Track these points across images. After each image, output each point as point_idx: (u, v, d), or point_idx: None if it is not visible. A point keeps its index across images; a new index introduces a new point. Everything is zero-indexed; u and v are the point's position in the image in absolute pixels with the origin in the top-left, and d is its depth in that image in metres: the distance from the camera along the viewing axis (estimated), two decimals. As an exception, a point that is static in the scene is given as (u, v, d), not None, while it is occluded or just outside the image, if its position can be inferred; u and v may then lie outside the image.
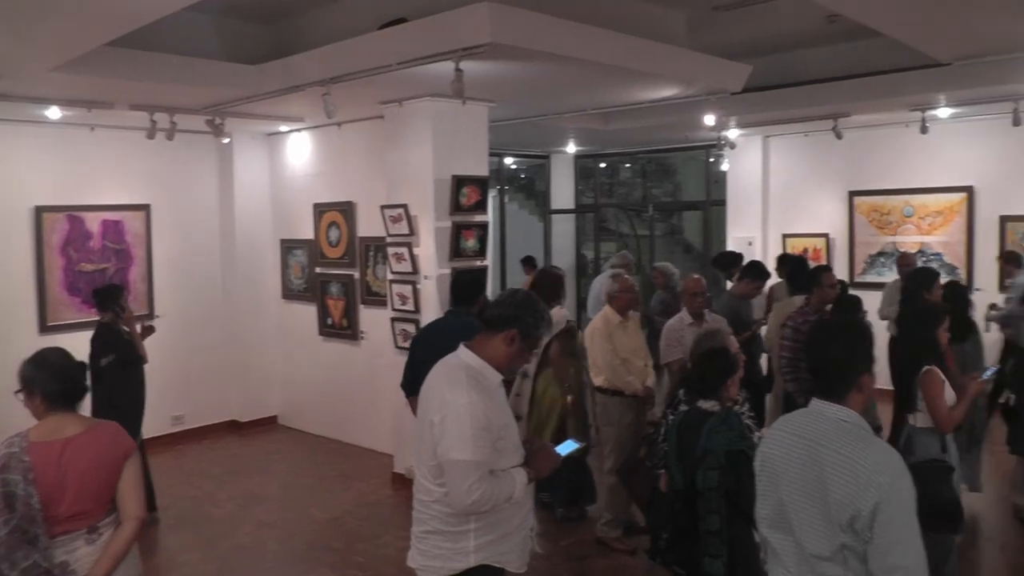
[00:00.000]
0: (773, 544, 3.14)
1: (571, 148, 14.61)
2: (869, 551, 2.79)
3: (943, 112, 10.37)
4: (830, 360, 3.08)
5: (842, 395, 3.03)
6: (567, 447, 4.03)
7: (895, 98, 9.67)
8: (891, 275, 11.04)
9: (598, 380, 6.90)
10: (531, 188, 17.21)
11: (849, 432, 2.95)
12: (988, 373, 5.93)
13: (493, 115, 8.82)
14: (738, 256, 10.47)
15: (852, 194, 12.48)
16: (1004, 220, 11.22)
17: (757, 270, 8.36)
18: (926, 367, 5.31)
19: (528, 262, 13.29)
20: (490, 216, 14.21)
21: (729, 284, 9.49)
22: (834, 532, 2.85)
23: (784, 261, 10.03)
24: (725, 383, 4.82)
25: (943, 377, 5.31)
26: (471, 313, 6.33)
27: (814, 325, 3.65)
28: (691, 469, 4.54)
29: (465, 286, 6.72)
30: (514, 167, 16.47)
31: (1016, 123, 9.60)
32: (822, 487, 2.89)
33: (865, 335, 3.19)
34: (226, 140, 9.70)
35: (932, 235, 11.85)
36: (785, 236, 13.05)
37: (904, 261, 10.01)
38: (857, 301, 6.96)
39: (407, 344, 8.26)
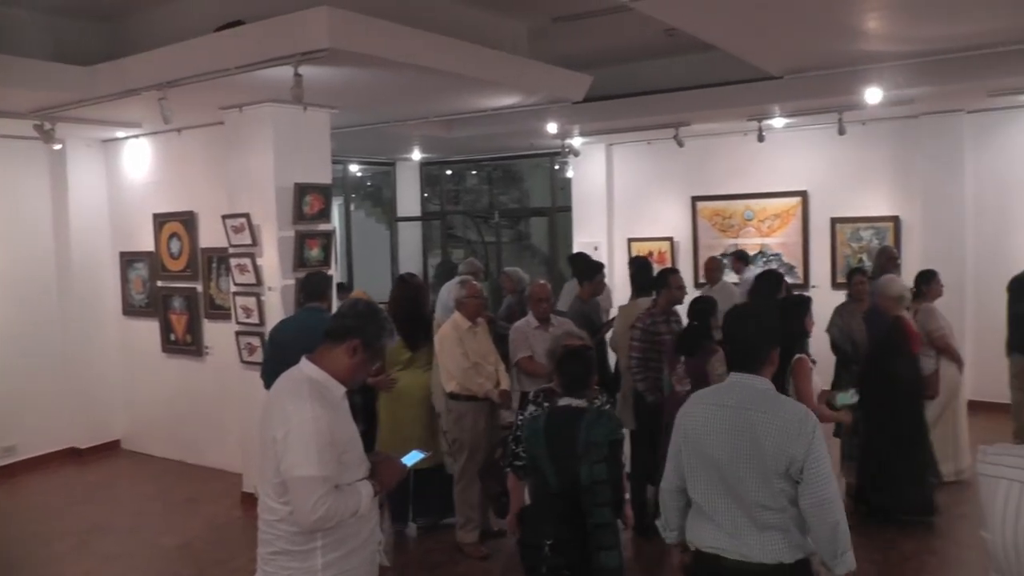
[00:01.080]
0: (706, 510, 3.55)
1: (416, 155, 14.53)
2: (801, 490, 3.32)
3: (777, 122, 10.86)
4: (745, 339, 3.59)
5: (757, 367, 3.53)
6: (412, 457, 3.95)
7: (732, 108, 10.07)
8: (733, 276, 11.50)
9: (450, 386, 6.86)
10: (378, 196, 17.08)
11: (769, 395, 3.50)
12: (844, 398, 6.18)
13: (335, 121, 8.71)
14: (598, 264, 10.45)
15: (695, 199, 12.90)
16: (835, 222, 11.94)
17: (595, 268, 8.57)
18: (797, 355, 5.78)
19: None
20: (336, 224, 14.14)
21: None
22: (771, 481, 3.34)
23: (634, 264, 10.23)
24: (592, 379, 4.88)
25: (811, 365, 5.77)
26: (322, 308, 6.78)
27: (731, 311, 3.93)
28: (571, 467, 4.51)
29: (314, 284, 7.01)
30: (359, 174, 16.30)
31: (841, 132, 10.27)
32: (756, 444, 3.37)
33: (772, 317, 3.79)
34: (57, 146, 9.17)
35: (771, 237, 12.41)
36: (630, 240, 13.36)
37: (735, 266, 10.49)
38: (805, 300, 7.15)
39: (253, 358, 8.11)
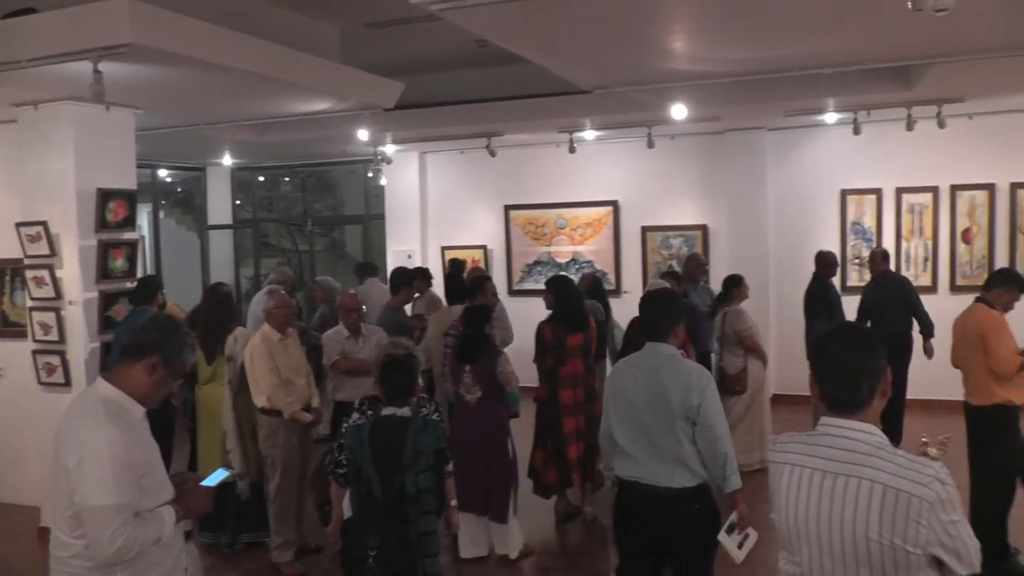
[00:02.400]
0: (628, 450, 4.58)
1: (228, 160, 14.11)
2: (698, 430, 4.42)
3: (588, 134, 11.16)
4: (651, 317, 4.76)
5: (664, 337, 4.61)
6: (217, 476, 3.73)
7: (543, 120, 10.27)
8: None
9: (260, 401, 6.62)
10: (189, 202, 16.48)
11: (675, 358, 4.59)
12: None
13: (141, 123, 8.34)
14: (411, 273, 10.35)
15: (508, 208, 13.10)
16: (645, 230, 12.50)
17: (405, 277, 8.57)
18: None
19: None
20: (144, 232, 13.59)
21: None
22: (675, 424, 4.43)
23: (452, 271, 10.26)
24: (414, 388, 4.85)
25: None
26: (146, 309, 7.03)
27: (643, 296, 5.23)
28: (396, 476, 4.48)
29: (145, 286, 7.38)
30: (169, 180, 15.71)
31: (650, 146, 10.72)
32: (665, 396, 4.45)
33: (673, 301, 5.00)
34: None
35: (584, 245, 12.80)
36: (444, 249, 13.41)
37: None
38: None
39: (52, 379, 7.64)
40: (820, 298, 9.49)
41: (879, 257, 9.77)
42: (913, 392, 9.48)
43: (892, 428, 8.87)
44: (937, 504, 2.50)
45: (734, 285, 8.91)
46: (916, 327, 9.32)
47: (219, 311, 7.17)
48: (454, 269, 9.47)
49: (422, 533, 4.53)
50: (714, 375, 6.03)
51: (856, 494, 2.58)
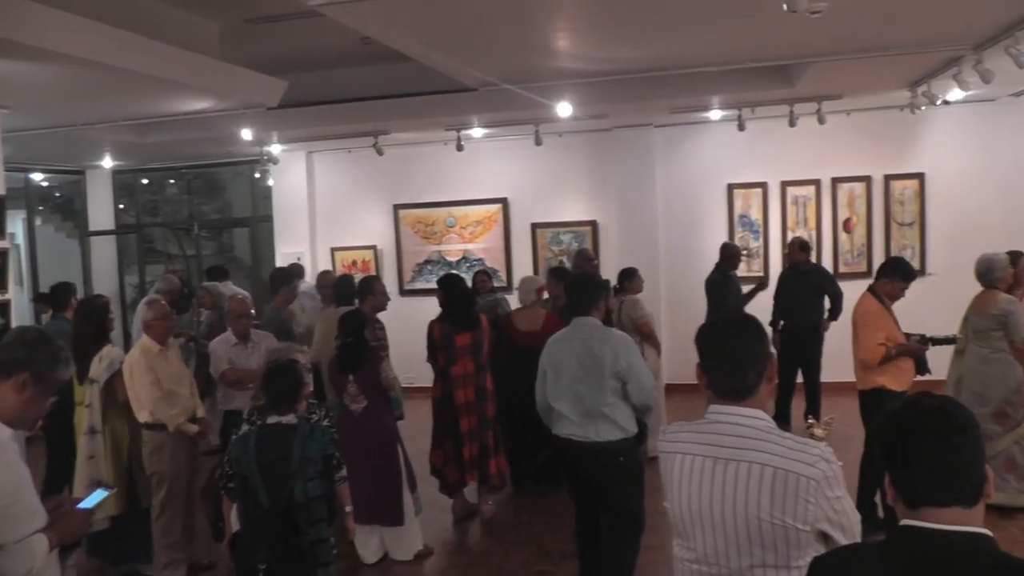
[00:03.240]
0: (564, 412, 5.44)
1: (108, 163, 13.61)
2: (628, 386, 5.27)
3: (476, 132, 11.09)
4: (577, 295, 5.62)
5: (590, 312, 5.50)
6: (95, 498, 3.46)
7: (430, 118, 10.20)
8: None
9: (143, 416, 6.33)
10: (68, 208, 15.85)
11: (601, 327, 5.51)
12: None
13: (10, 123, 8.03)
14: (290, 271, 10.25)
15: (397, 207, 12.96)
16: (535, 227, 12.56)
17: (284, 276, 8.50)
18: None
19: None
20: (19, 241, 13.04)
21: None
22: (606, 382, 5.28)
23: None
24: (300, 394, 4.72)
25: None
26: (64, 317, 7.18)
27: (568, 281, 6.42)
28: (285, 485, 4.38)
29: (58, 293, 7.50)
30: (45, 184, 15.05)
31: (538, 143, 10.79)
32: (596, 361, 5.31)
33: (594, 282, 5.91)
34: None
35: (474, 243, 12.77)
36: (334, 250, 13.23)
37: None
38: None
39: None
40: (723, 288, 9.71)
41: (796, 246, 10.12)
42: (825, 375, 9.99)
43: (811, 404, 9.62)
44: (823, 482, 2.59)
45: (628, 278, 9.04)
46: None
47: (91, 326, 6.71)
48: (341, 277, 9.32)
49: (314, 542, 4.44)
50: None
51: (747, 478, 2.65)
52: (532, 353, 7.96)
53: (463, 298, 7.63)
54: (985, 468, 2.08)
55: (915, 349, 6.48)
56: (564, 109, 9.03)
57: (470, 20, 6.17)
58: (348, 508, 4.94)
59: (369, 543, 6.75)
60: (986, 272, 7.13)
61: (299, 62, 9.27)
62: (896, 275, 6.60)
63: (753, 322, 2.97)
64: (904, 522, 2.08)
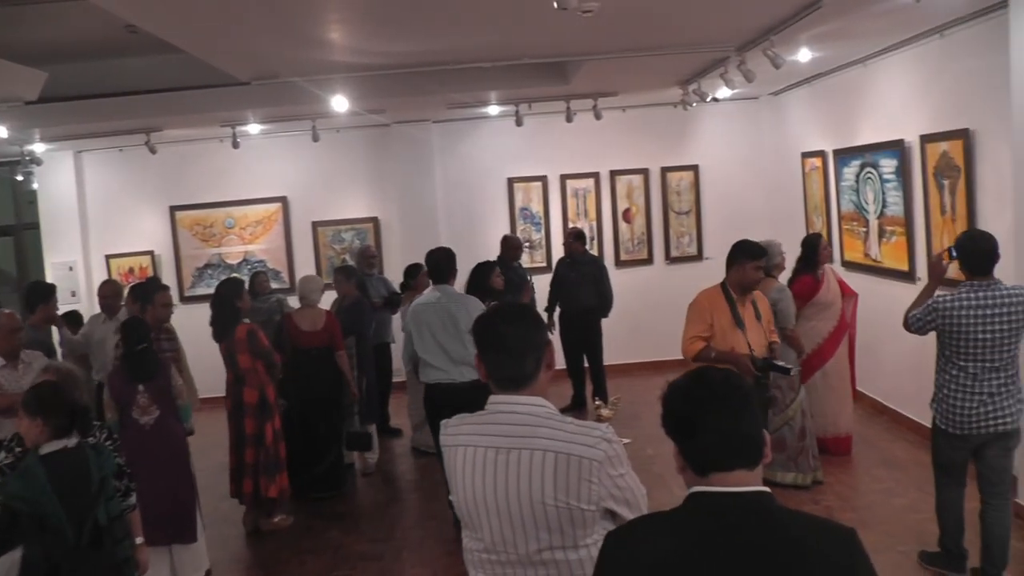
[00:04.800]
0: (431, 362, 6.84)
1: None
2: None
3: (252, 128, 10.80)
4: (436, 265, 7.11)
5: (447, 280, 7.01)
6: None
7: (203, 113, 9.81)
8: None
9: None
10: None
11: (456, 293, 7.05)
12: None
13: None
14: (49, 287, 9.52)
15: (173, 209, 12.47)
16: (316, 225, 12.43)
17: (42, 292, 7.96)
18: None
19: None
20: None
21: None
22: (463, 336, 6.55)
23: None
24: (74, 416, 4.36)
25: None
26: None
27: (427, 253, 7.35)
28: (87, 510, 4.16)
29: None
30: None
31: (315, 139, 10.61)
32: (453, 319, 6.77)
33: (447, 253, 7.24)
34: None
35: (255, 244, 12.48)
36: (109, 257, 12.51)
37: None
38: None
39: None
40: (506, 280, 9.76)
41: (572, 236, 10.57)
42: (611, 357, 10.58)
43: (597, 387, 10.11)
44: (606, 462, 2.66)
45: (414, 275, 9.19)
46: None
47: None
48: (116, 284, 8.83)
49: (121, 561, 4.36)
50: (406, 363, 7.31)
51: (530, 464, 2.68)
52: (317, 353, 8.01)
53: (226, 307, 7.57)
54: (763, 432, 2.24)
55: (734, 360, 6.11)
56: (340, 104, 8.87)
57: (235, 9, 5.91)
58: (139, 539, 4.73)
59: (160, 568, 6.29)
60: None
61: (61, 51, 8.60)
62: (742, 257, 6.50)
63: (528, 310, 3.04)
64: (694, 489, 2.20)
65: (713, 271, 11.69)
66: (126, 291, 8.59)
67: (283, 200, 12.36)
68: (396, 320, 9.83)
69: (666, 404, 2.27)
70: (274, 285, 10.92)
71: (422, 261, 9.24)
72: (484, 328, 2.91)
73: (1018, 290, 5.38)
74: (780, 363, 6.42)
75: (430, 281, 8.98)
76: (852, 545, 2.13)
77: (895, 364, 9.00)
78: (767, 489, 2.19)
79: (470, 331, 5.31)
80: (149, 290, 7.87)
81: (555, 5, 5.01)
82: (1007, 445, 5.52)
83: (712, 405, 2.20)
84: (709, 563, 2.09)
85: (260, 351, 7.37)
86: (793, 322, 7.47)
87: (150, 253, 12.50)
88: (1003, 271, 5.63)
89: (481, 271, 8.05)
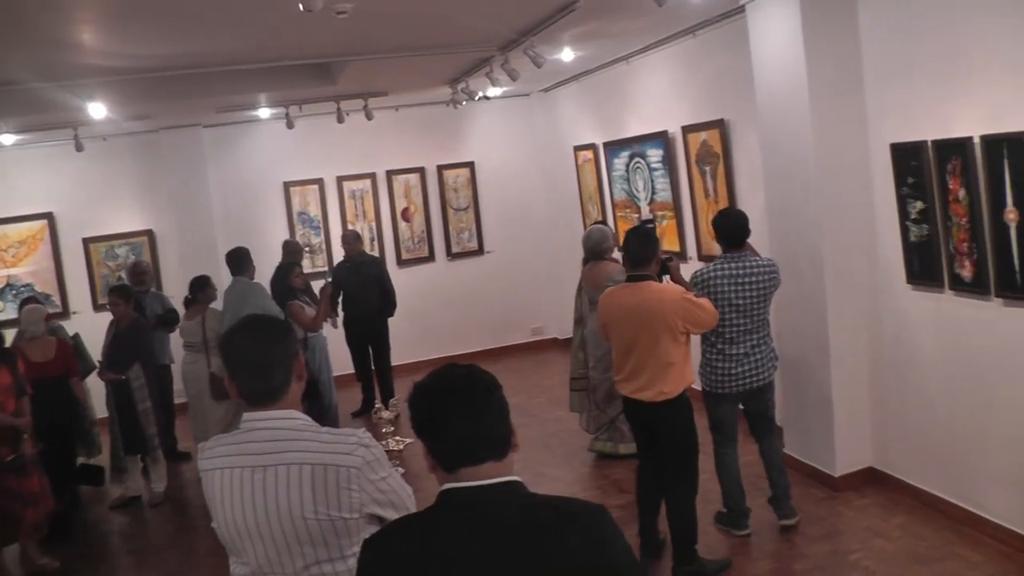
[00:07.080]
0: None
1: None
2: None
3: (7, 139, 10.11)
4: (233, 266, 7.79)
5: (245, 274, 7.93)
6: None
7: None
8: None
9: None
10: None
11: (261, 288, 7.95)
12: None
13: None
14: None
15: (-84, 233, 11.46)
16: (87, 242, 11.69)
17: None
18: None
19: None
20: None
21: None
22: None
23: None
24: None
25: None
26: None
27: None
28: None
29: None
30: None
31: (79, 149, 10.03)
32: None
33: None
34: None
35: (19, 266, 11.51)
36: None
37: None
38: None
39: None
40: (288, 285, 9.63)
41: (351, 238, 10.57)
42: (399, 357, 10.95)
43: (384, 389, 10.21)
44: (365, 467, 2.66)
45: (200, 288, 8.83)
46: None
47: None
48: None
49: None
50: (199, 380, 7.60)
51: (287, 480, 2.64)
52: (50, 384, 7.60)
53: None
54: (510, 423, 2.26)
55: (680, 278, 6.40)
56: (97, 110, 8.40)
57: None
58: None
59: None
60: (596, 245, 7.88)
61: None
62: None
63: (273, 321, 2.97)
64: (445, 486, 2.20)
65: (494, 265, 12.32)
66: None
67: (49, 216, 11.50)
68: (175, 339, 9.52)
69: (411, 405, 2.24)
70: (50, 310, 10.06)
71: (202, 273, 9.11)
72: (230, 344, 2.82)
73: (765, 261, 6.08)
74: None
75: (215, 294, 8.96)
76: (602, 521, 2.17)
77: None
78: (516, 478, 2.20)
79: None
80: None
81: (300, 7, 4.99)
82: (764, 397, 6.28)
83: (454, 403, 2.20)
84: (460, 558, 2.10)
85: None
86: None
87: None
88: (758, 242, 6.39)
89: (281, 272, 8.28)
